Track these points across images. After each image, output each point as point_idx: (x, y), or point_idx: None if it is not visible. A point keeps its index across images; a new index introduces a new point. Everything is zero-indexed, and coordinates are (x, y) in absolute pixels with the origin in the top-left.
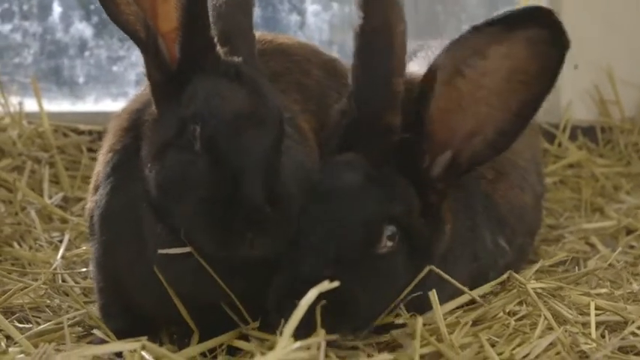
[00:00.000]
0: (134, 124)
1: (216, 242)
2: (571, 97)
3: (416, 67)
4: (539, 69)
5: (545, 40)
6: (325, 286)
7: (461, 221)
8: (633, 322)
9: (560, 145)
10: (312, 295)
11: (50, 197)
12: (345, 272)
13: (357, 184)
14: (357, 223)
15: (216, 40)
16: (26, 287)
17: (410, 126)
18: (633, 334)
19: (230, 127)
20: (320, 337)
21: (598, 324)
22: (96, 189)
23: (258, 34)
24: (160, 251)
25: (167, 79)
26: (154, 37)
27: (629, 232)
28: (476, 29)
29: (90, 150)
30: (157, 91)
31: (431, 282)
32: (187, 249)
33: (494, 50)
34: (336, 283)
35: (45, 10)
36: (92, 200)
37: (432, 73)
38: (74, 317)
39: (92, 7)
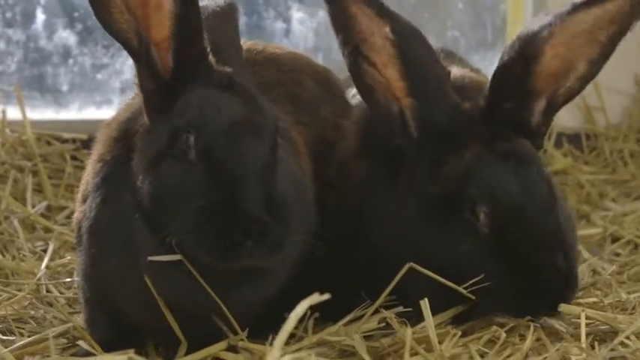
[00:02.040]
0: (124, 134)
1: (216, 253)
2: None
3: None
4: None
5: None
6: (315, 298)
7: None
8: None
9: (545, 152)
10: (302, 307)
11: (33, 206)
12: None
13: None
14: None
15: (209, 49)
16: (10, 298)
17: (514, 85)
18: (622, 344)
19: (226, 136)
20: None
21: (587, 334)
22: (84, 199)
23: (248, 43)
24: (150, 258)
25: (160, 89)
26: (147, 46)
27: (614, 239)
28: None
29: (73, 158)
30: (149, 101)
31: None
32: (178, 256)
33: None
34: (326, 296)
35: (28, 17)
36: (80, 210)
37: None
38: (56, 330)
39: (76, 14)
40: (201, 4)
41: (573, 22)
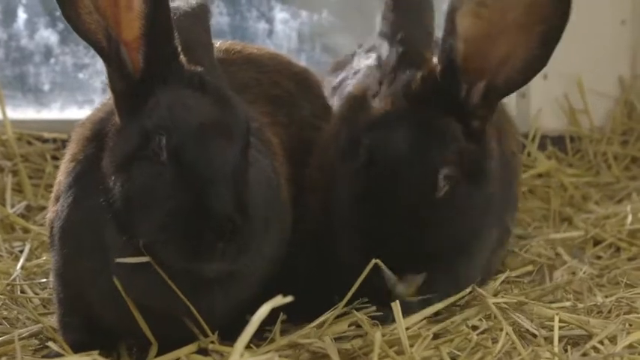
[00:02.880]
0: (97, 133)
1: (188, 254)
2: (540, 106)
3: None
4: (552, 7)
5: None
6: (278, 300)
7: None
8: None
9: (529, 154)
10: (264, 310)
11: (13, 206)
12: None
13: (408, 140)
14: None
15: (180, 49)
16: None
17: (444, 60)
18: (594, 348)
19: (196, 137)
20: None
21: (561, 337)
22: (57, 199)
23: (227, 43)
24: (118, 260)
25: (130, 89)
26: (116, 47)
27: (596, 242)
28: None
29: (54, 158)
30: (119, 101)
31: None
32: (146, 258)
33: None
34: (289, 298)
35: (10, 16)
36: (53, 210)
37: (455, 4)
38: (27, 331)
39: (57, 13)
40: (172, 4)
41: (492, 8)
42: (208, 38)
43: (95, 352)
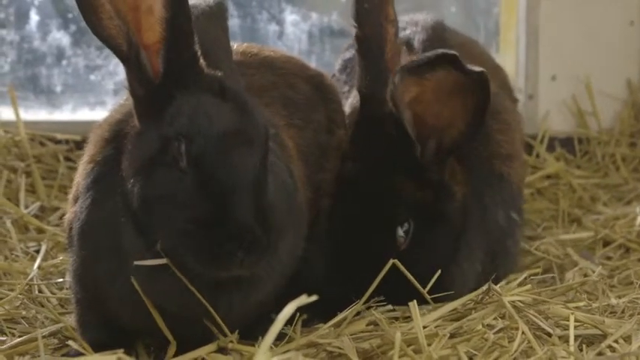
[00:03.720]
0: (116, 135)
1: (207, 261)
2: (549, 108)
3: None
4: (464, 91)
5: (459, 79)
6: (302, 300)
7: (473, 207)
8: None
9: (537, 156)
10: (289, 309)
11: (26, 207)
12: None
13: (366, 200)
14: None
15: (199, 53)
16: (2, 298)
17: (396, 126)
18: (610, 347)
19: (217, 145)
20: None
21: (576, 337)
22: (75, 200)
23: (244, 46)
24: (136, 262)
25: (150, 93)
26: (137, 51)
27: (605, 243)
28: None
29: (67, 159)
30: (139, 105)
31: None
32: (164, 261)
33: (430, 79)
34: (314, 297)
35: (22, 18)
36: (72, 211)
37: (395, 97)
38: (47, 331)
39: (70, 15)
40: (190, 2)
41: (433, 78)
42: (227, 40)
43: (121, 351)
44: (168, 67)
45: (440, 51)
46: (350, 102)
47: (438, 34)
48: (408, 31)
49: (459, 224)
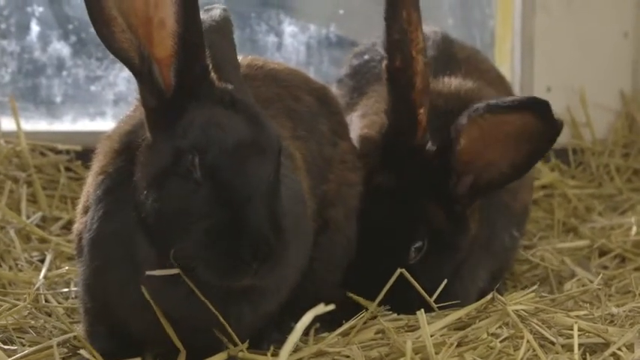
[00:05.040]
0: (126, 146)
1: (222, 272)
2: None
3: None
4: (542, 131)
5: (537, 126)
6: (320, 309)
7: (482, 230)
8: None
9: None
10: (307, 318)
11: (28, 217)
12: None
13: (393, 212)
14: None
15: (210, 67)
16: (9, 308)
17: (443, 151)
18: (614, 355)
19: (231, 156)
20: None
21: (579, 345)
22: (86, 210)
23: (248, 59)
24: (148, 273)
25: (161, 106)
26: (149, 64)
27: (601, 253)
28: (495, 107)
29: (68, 169)
30: (151, 117)
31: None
32: (176, 271)
33: (507, 120)
34: (331, 306)
35: (23, 29)
36: (81, 222)
37: (459, 128)
38: (59, 339)
39: (70, 26)
40: None
41: (491, 121)
42: (234, 54)
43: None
44: (180, 80)
45: (532, 97)
46: (364, 112)
47: (446, 48)
48: None
49: (466, 251)
